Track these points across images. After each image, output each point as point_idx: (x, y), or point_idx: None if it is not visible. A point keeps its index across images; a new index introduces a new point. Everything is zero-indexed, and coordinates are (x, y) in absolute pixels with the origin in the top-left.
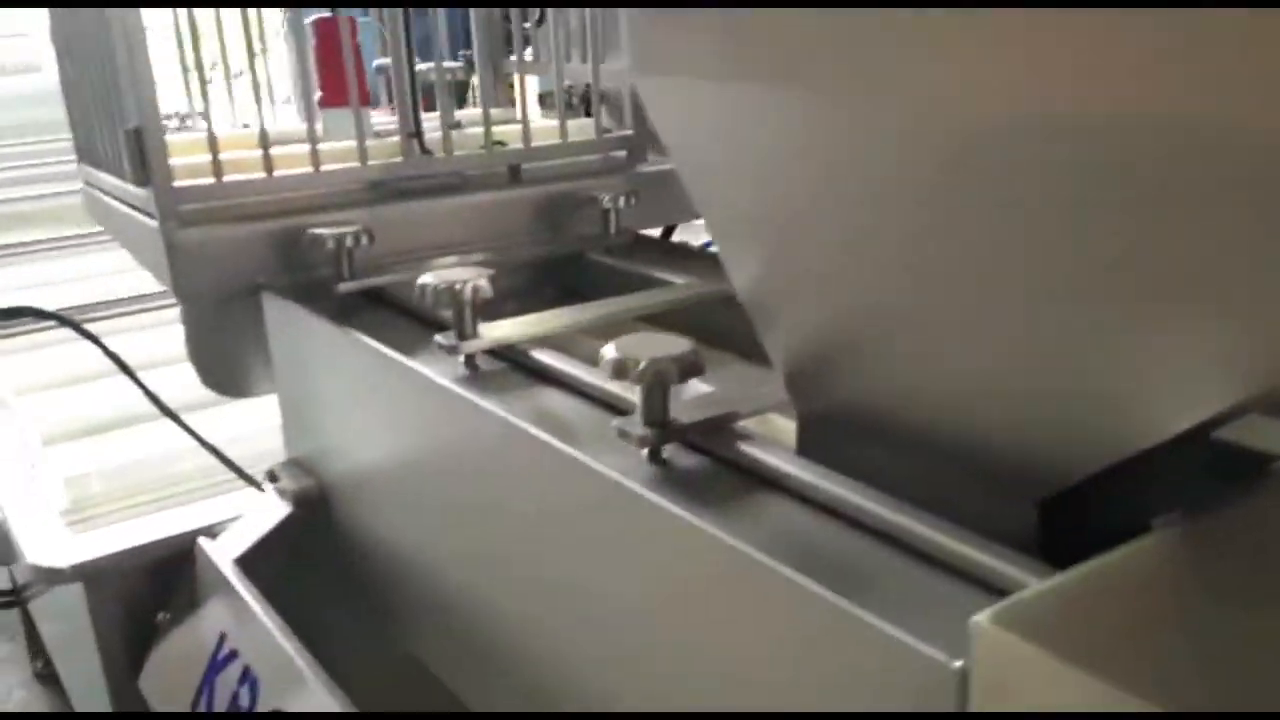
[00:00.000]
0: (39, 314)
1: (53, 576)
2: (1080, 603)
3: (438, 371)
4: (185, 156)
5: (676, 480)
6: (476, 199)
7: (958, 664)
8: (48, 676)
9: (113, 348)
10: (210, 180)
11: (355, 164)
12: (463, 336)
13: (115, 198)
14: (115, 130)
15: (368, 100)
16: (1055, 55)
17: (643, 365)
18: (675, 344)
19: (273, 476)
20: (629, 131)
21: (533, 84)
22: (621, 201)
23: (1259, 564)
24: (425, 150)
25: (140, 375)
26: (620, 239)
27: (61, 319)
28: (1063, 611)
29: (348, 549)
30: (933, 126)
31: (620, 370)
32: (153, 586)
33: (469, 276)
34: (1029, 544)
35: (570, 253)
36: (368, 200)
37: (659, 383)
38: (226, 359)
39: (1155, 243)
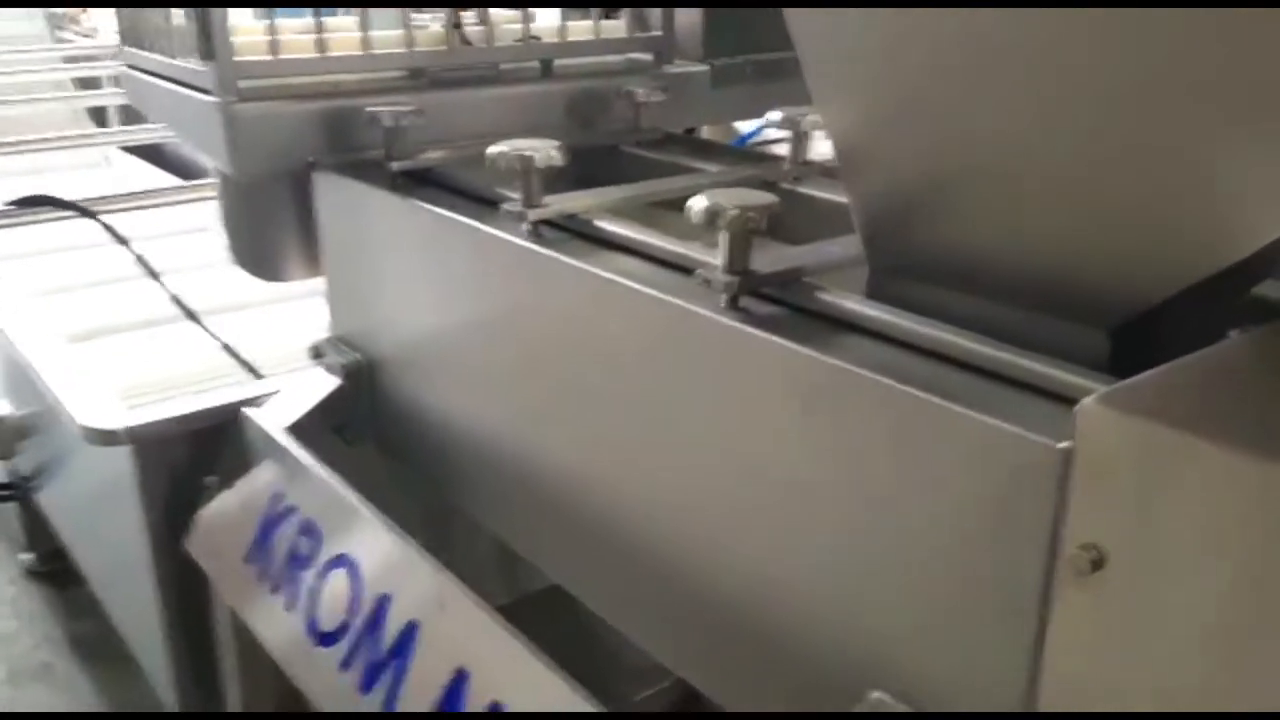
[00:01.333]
0: (56, 203)
1: (107, 438)
2: (1174, 388)
3: (510, 235)
4: (242, 36)
5: (758, 322)
6: (512, 90)
7: (1063, 444)
8: (41, 574)
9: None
10: (268, 57)
11: (403, 49)
12: (529, 204)
13: (165, 77)
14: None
15: None
16: None
17: (733, 213)
18: (760, 196)
19: (317, 353)
20: (658, 33)
21: None
22: (655, 97)
23: None
24: (465, 41)
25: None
26: (651, 134)
27: (79, 208)
28: (1159, 395)
29: (395, 417)
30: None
31: (711, 217)
32: (195, 455)
33: (541, 148)
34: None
35: (603, 145)
36: (409, 88)
37: (745, 231)
38: (265, 241)
39: (1229, 59)
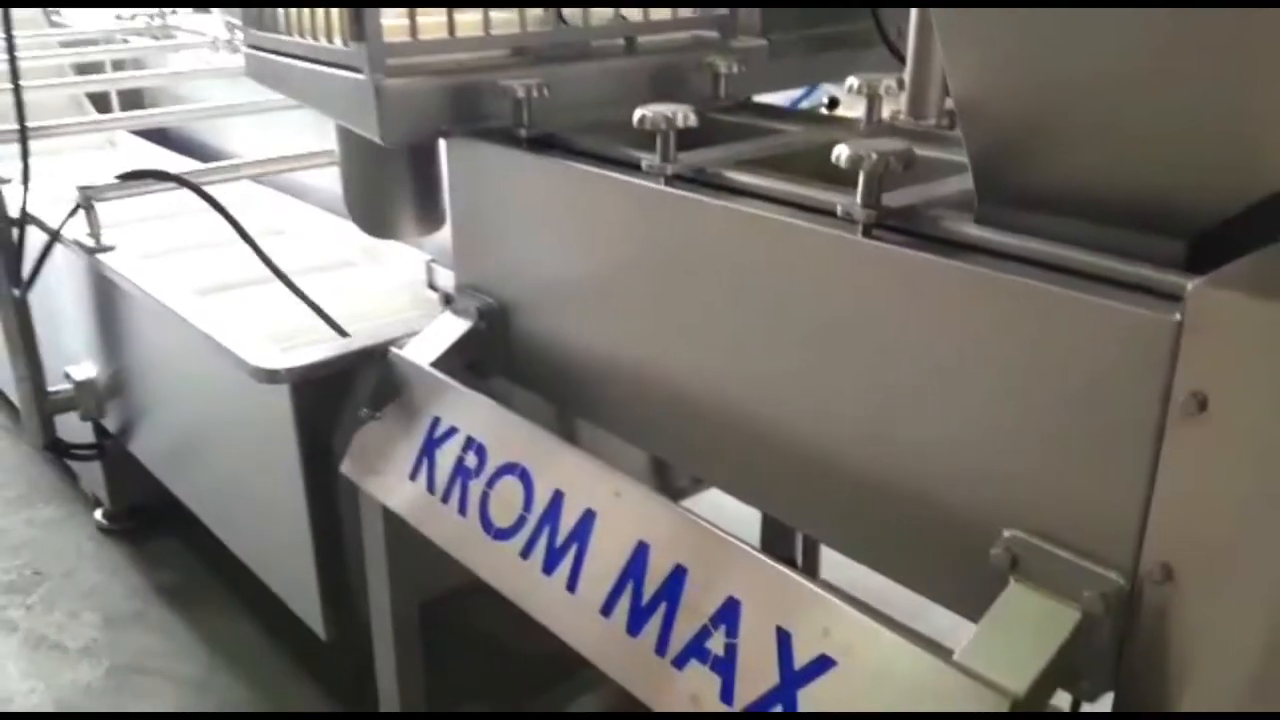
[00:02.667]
0: (161, 175)
1: (271, 377)
2: (1255, 273)
3: (656, 185)
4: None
5: (896, 244)
6: (602, 65)
7: (1176, 318)
8: (115, 531)
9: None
10: (408, 38)
11: (517, 30)
12: (665, 159)
13: (303, 58)
14: None
15: None
16: None
17: (874, 157)
18: (895, 144)
19: (448, 299)
20: (724, 12)
21: None
22: (734, 68)
23: None
24: (564, 21)
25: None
26: (729, 101)
27: (182, 181)
28: (1244, 278)
29: (529, 350)
30: None
31: (855, 163)
32: (334, 392)
33: (679, 110)
34: None
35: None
36: (516, 64)
37: (881, 171)
38: (384, 204)
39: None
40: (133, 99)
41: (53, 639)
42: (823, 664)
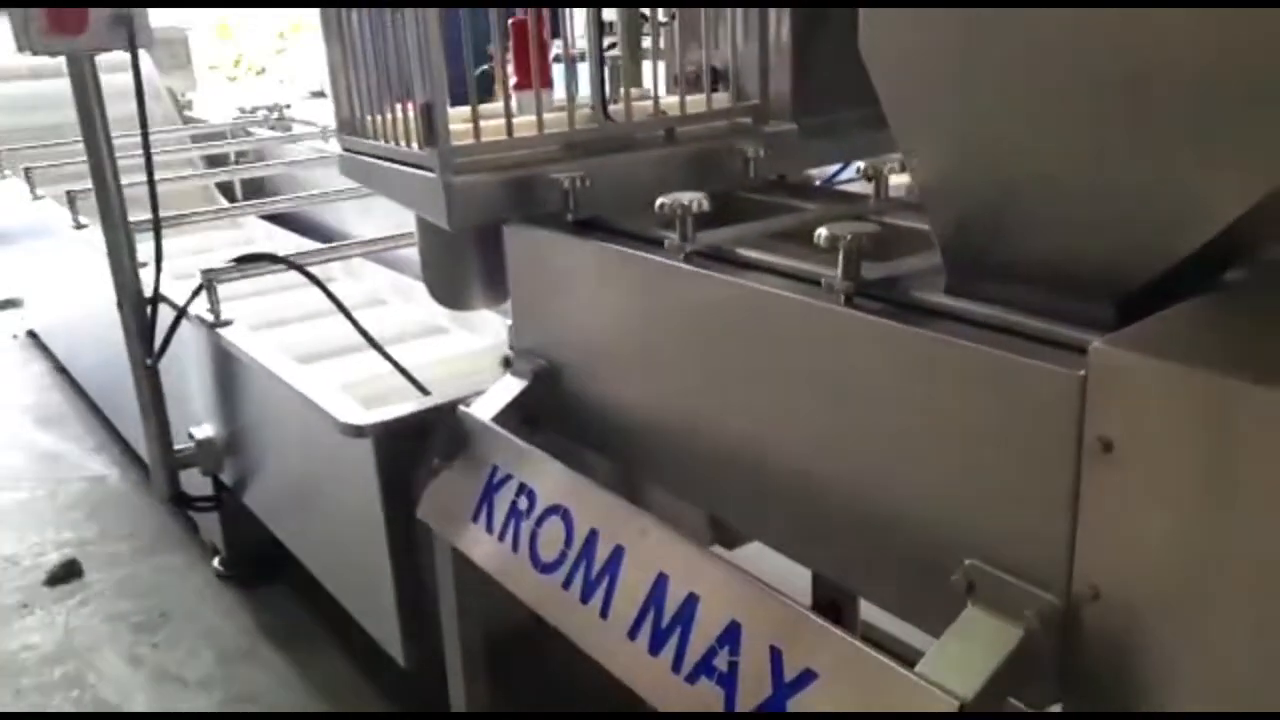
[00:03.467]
0: (272, 259)
1: (357, 432)
2: (1149, 333)
3: (676, 262)
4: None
5: (870, 313)
6: (644, 155)
7: (1080, 373)
8: (229, 577)
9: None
10: (471, 140)
11: (566, 129)
12: (685, 239)
13: (385, 159)
14: (387, 103)
15: (550, 84)
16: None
17: (849, 237)
18: (866, 226)
19: (507, 362)
20: (756, 102)
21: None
22: (761, 153)
23: None
24: (608, 118)
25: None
26: (759, 181)
27: (290, 263)
28: (1137, 338)
29: (577, 407)
30: (1079, 69)
31: (833, 242)
32: (409, 445)
33: (694, 198)
34: None
35: (722, 193)
36: (567, 157)
37: (857, 249)
38: (455, 280)
39: (1182, 119)
40: (255, 183)
41: (174, 673)
42: (808, 677)
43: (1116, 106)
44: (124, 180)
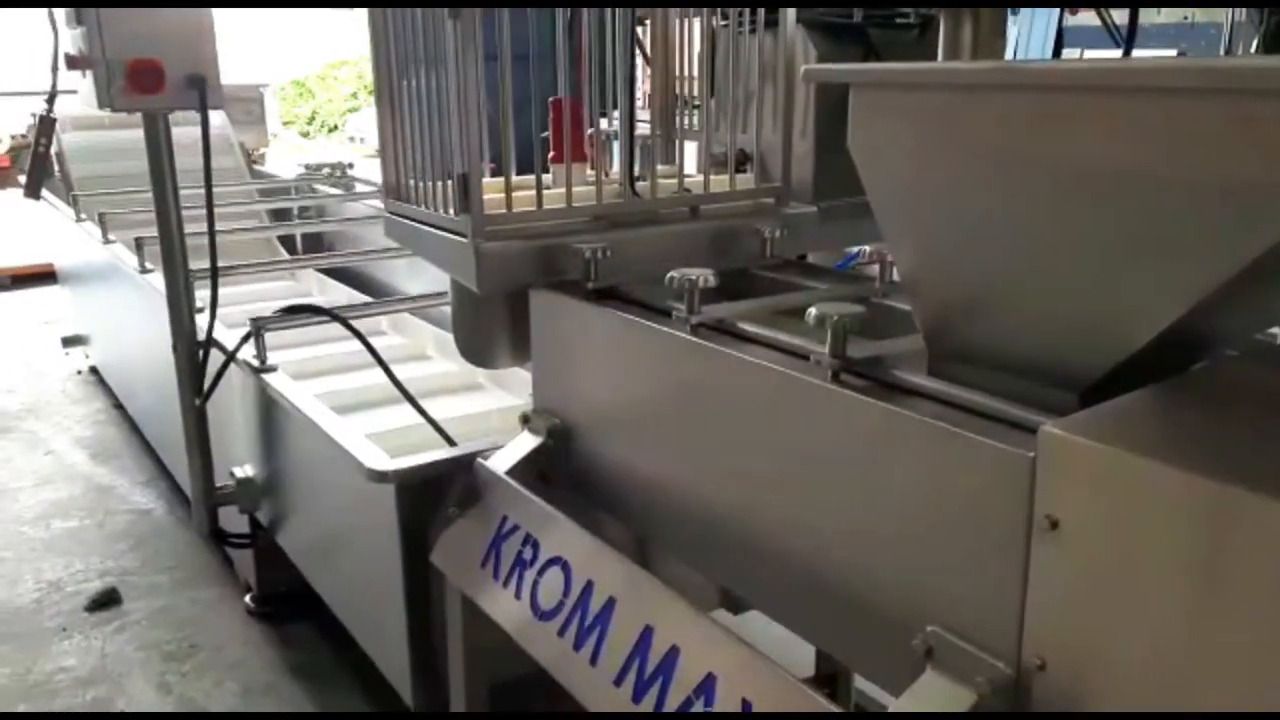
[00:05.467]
0: (316, 310)
1: (380, 478)
2: (1094, 420)
3: (680, 333)
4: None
5: (853, 390)
6: (669, 229)
7: (1031, 454)
8: (260, 614)
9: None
10: (504, 210)
11: (593, 202)
12: (692, 311)
13: (424, 223)
14: (428, 171)
15: (584, 158)
16: (1100, 149)
17: (836, 317)
18: (853, 308)
19: (525, 419)
20: (778, 185)
21: (690, 147)
22: (777, 233)
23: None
24: (636, 194)
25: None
26: (774, 260)
27: (333, 315)
28: (1083, 424)
29: (587, 465)
30: (1034, 185)
31: (821, 321)
32: (428, 493)
33: (701, 273)
34: None
35: (739, 269)
36: (594, 229)
37: (844, 329)
38: (484, 339)
39: (1125, 229)
40: (314, 237)
41: (199, 702)
42: None
43: (1070, 215)
44: (189, 229)
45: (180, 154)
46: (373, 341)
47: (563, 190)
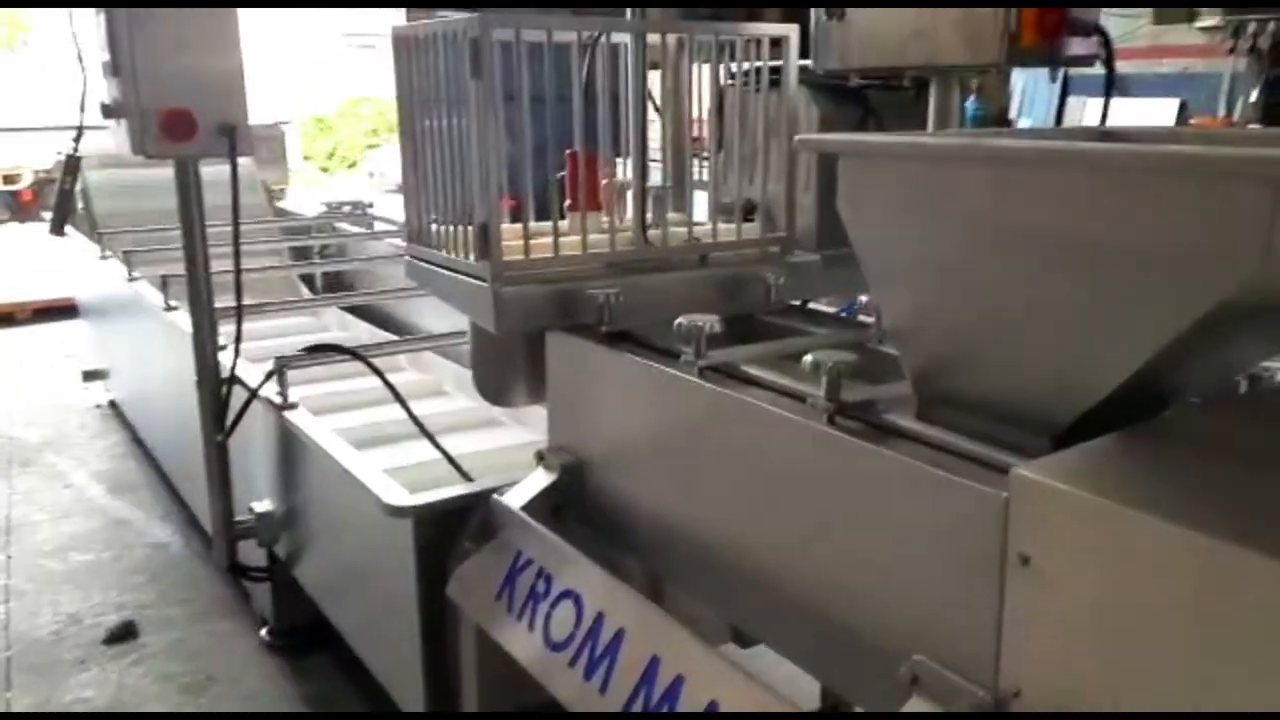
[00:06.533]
0: (338, 350)
1: (398, 512)
2: (1065, 464)
3: (688, 376)
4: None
5: (845, 432)
6: (679, 275)
7: (1004, 494)
8: (275, 647)
9: None
10: (521, 256)
11: (607, 249)
12: (699, 355)
13: (444, 267)
14: (447, 218)
15: (599, 207)
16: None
17: (831, 364)
18: (847, 355)
19: (540, 456)
20: (783, 234)
21: (701, 196)
22: (781, 280)
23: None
24: (647, 241)
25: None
26: (778, 305)
27: (354, 354)
28: (1052, 468)
29: (600, 500)
30: (999, 247)
31: (816, 368)
32: (445, 528)
33: (708, 320)
34: None
35: (743, 314)
36: (607, 275)
37: (838, 375)
38: (500, 378)
39: (1088, 288)
40: (335, 274)
41: None
42: None
43: (1033, 276)
44: (215, 267)
45: (206, 190)
46: (392, 378)
47: (577, 237)
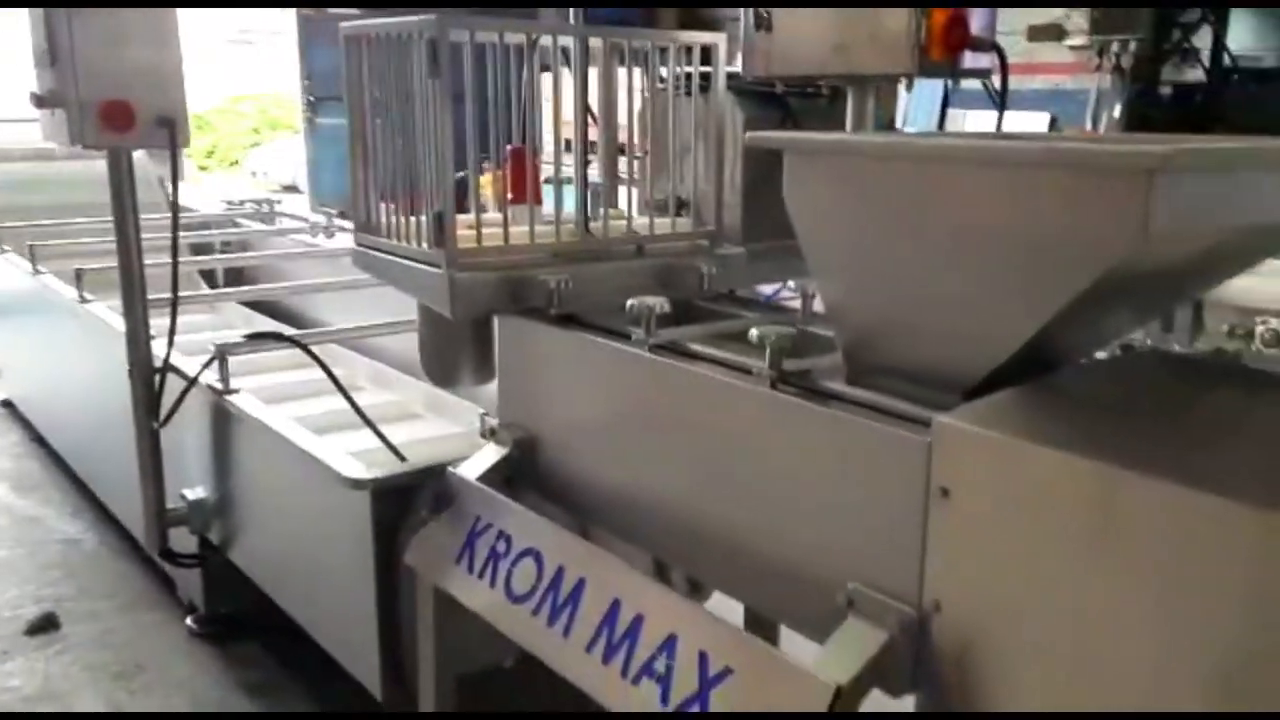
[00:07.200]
0: (279, 337)
1: (357, 485)
2: (976, 411)
3: (641, 352)
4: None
5: (788, 395)
6: (618, 265)
7: (927, 439)
8: (202, 635)
9: None
10: (474, 245)
11: (553, 240)
12: (649, 333)
13: (397, 255)
14: (399, 207)
15: (540, 200)
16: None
17: (774, 337)
18: (787, 329)
19: (492, 431)
20: (712, 228)
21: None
22: (713, 270)
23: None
24: (589, 232)
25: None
26: (712, 293)
27: (296, 342)
28: (967, 414)
29: (550, 470)
30: (920, 232)
31: (761, 340)
32: (400, 501)
33: (658, 300)
34: None
35: (682, 300)
36: (552, 264)
37: (780, 347)
38: (449, 361)
39: (990, 266)
40: (235, 272)
41: None
42: (726, 673)
43: (947, 256)
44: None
45: (93, 188)
46: (299, 376)
47: (523, 228)
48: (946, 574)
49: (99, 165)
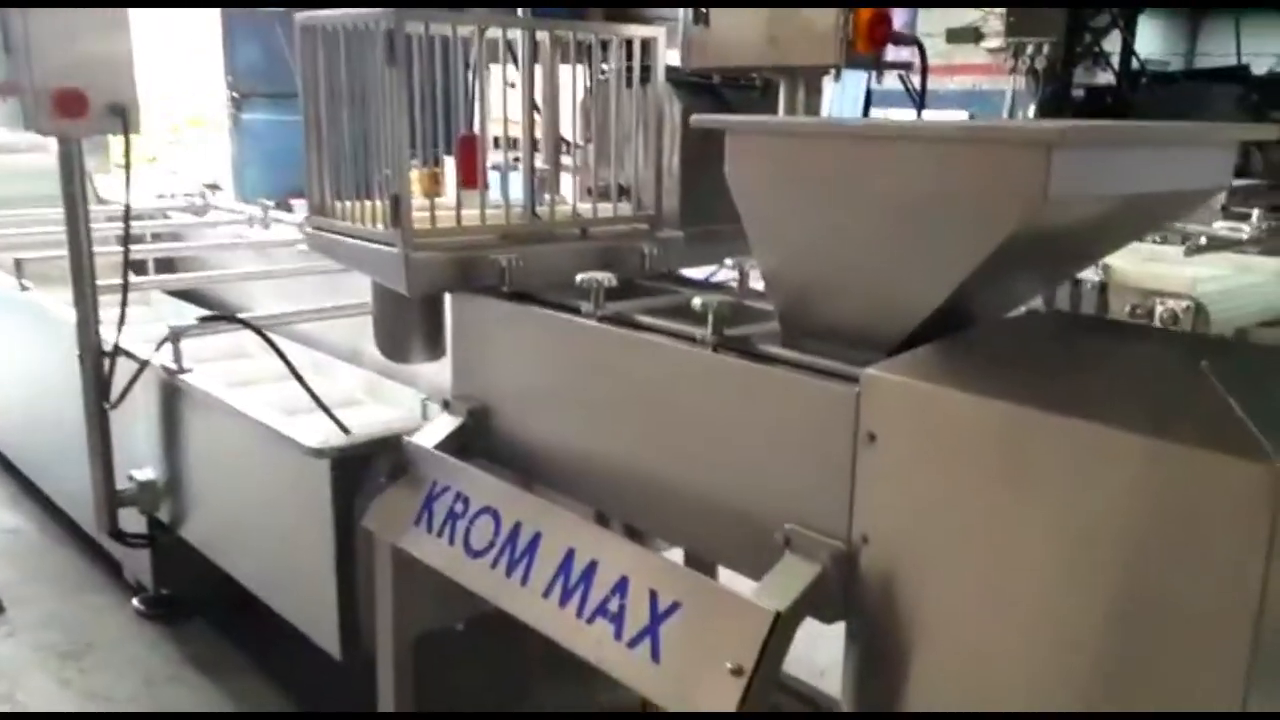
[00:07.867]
0: (232, 319)
1: (318, 454)
2: (901, 364)
3: (590, 323)
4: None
5: (729, 357)
6: (563, 246)
7: (857, 390)
8: (149, 615)
9: None
10: (429, 226)
11: (503, 222)
12: (598, 306)
13: (352, 236)
14: (356, 192)
15: (487, 185)
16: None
17: (716, 305)
18: (727, 300)
19: (446, 404)
20: (652, 213)
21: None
22: (654, 251)
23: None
24: (536, 216)
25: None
26: (653, 273)
27: (249, 325)
28: (891, 366)
29: (503, 437)
30: (849, 204)
31: (704, 308)
32: (357, 470)
33: (606, 275)
34: None
35: (625, 279)
36: (502, 245)
37: (721, 315)
38: (404, 337)
39: (909, 234)
40: (166, 263)
41: (103, 694)
42: (674, 607)
43: (872, 225)
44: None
45: (28, 180)
46: (236, 365)
47: (474, 211)
48: (873, 510)
49: (29, 159)
